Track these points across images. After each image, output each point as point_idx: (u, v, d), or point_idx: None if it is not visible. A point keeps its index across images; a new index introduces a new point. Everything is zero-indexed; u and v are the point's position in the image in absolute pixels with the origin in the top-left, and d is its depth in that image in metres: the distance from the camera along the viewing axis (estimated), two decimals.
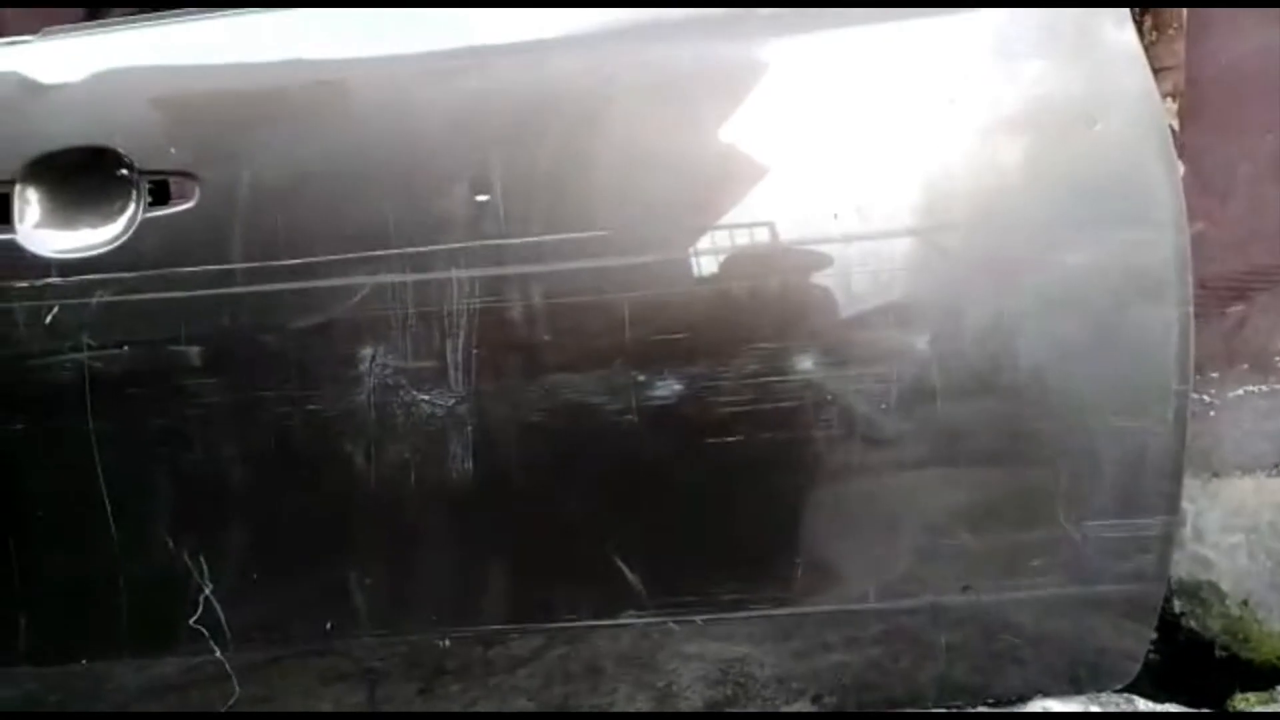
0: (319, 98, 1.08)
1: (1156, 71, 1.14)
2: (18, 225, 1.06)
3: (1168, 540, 1.08)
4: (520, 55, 1.07)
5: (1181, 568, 1.61)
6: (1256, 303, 1.57)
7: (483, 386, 1.05)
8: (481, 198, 1.03)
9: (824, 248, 1.03)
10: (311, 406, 1.06)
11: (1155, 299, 1.02)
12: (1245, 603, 1.58)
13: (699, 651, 1.14)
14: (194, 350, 1.06)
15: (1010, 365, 1.03)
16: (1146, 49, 1.07)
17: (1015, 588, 1.09)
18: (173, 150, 1.06)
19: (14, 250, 1.05)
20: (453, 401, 1.06)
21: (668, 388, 1.05)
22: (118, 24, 1.21)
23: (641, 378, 1.04)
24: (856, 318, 1.04)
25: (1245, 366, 1.60)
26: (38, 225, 1.07)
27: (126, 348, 1.06)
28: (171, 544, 1.09)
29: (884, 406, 1.04)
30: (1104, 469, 1.05)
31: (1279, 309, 1.58)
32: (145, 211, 1.05)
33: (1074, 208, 1.03)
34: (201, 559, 1.09)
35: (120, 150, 1.05)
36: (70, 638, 1.13)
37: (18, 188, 1.06)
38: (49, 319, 1.05)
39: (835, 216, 1.03)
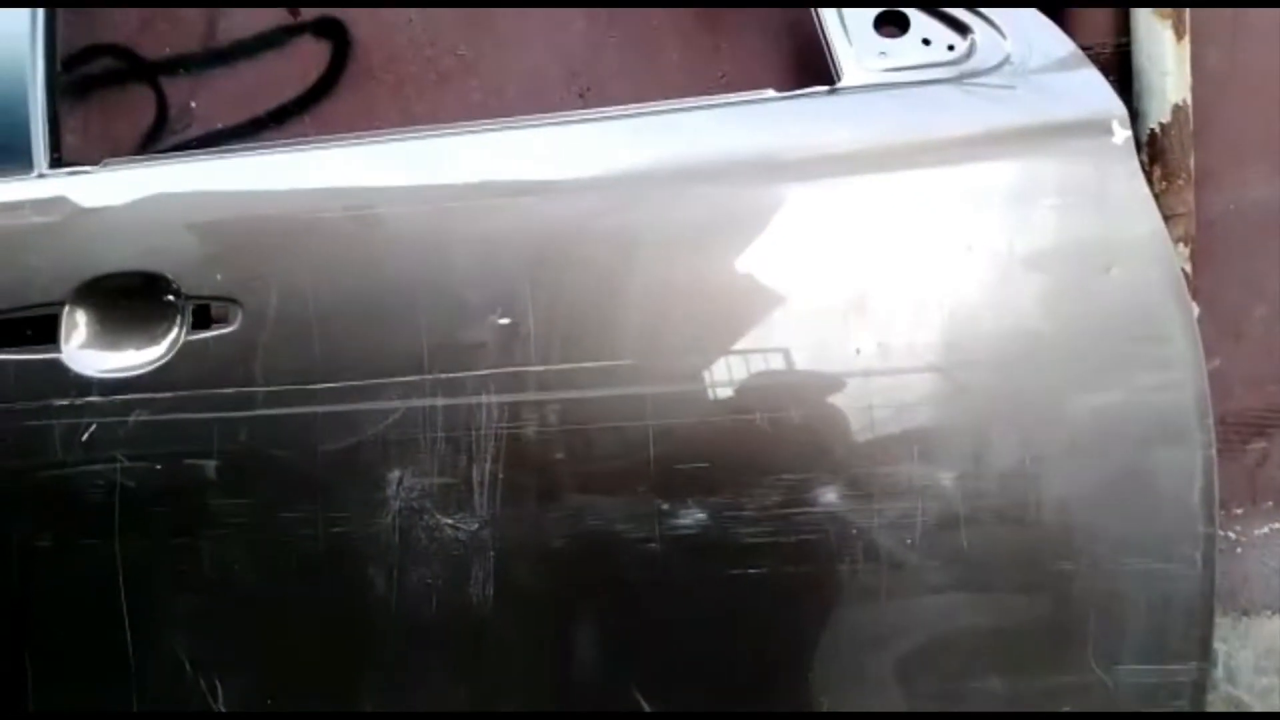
0: (357, 227, 1.12)
1: (1167, 218, 1.18)
2: (63, 345, 1.09)
3: (1201, 687, 1.05)
4: (552, 193, 1.12)
5: (1216, 710, 1.56)
6: (1276, 439, 1.57)
7: (507, 511, 1.05)
8: (504, 320, 1.06)
9: (845, 382, 1.05)
10: (336, 529, 1.07)
11: (1177, 440, 1.02)
12: None
13: None
14: (224, 470, 1.07)
15: (1035, 506, 1.03)
16: (1157, 197, 1.11)
17: None
18: (218, 276, 1.10)
19: (58, 369, 1.09)
20: (477, 526, 1.06)
21: (691, 516, 1.05)
22: (173, 158, 1.28)
23: (665, 506, 1.05)
24: (881, 452, 1.04)
25: (1270, 503, 1.58)
26: (83, 346, 1.10)
27: (159, 466, 1.08)
28: (188, 666, 1.08)
29: (909, 542, 1.03)
30: (1133, 612, 1.03)
31: None
32: (187, 335, 1.09)
33: (1093, 350, 1.04)
34: (216, 681, 1.08)
35: (168, 275, 1.09)
36: None
37: (66, 309, 1.10)
38: (86, 436, 1.08)
39: (857, 352, 1.05)
